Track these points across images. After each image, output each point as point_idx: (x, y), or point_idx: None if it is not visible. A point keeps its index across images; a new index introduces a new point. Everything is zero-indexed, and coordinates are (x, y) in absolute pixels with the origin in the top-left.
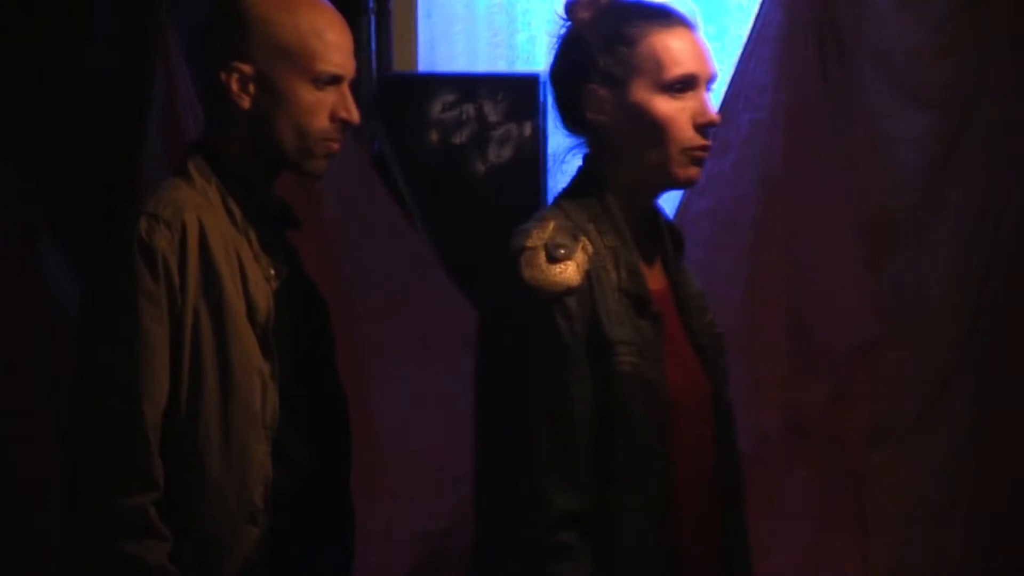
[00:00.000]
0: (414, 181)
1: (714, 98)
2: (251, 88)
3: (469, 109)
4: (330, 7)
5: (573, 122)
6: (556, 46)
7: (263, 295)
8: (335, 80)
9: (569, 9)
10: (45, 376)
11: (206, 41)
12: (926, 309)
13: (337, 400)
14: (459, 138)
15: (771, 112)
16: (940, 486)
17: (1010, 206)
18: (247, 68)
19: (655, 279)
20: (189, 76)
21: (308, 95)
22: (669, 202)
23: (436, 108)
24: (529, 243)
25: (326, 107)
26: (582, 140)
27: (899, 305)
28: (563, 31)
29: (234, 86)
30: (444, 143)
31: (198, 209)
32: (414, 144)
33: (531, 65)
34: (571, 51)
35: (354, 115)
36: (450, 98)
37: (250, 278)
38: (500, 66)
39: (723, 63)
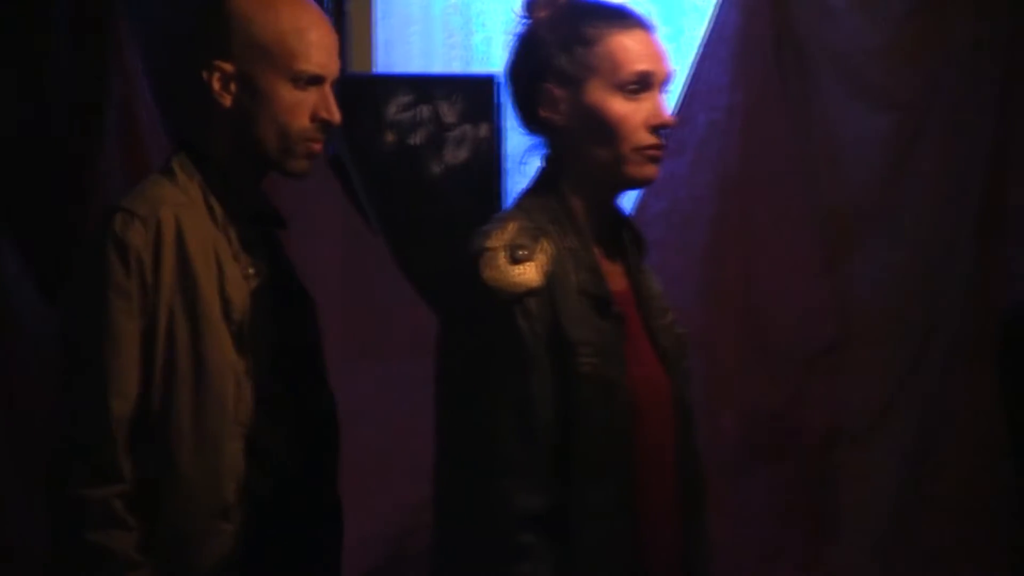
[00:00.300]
0: (370, 182)
1: (671, 99)
2: (232, 87)
3: (425, 110)
4: (314, 6)
5: (529, 121)
6: (513, 44)
7: (240, 293)
8: (315, 80)
9: (528, 7)
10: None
11: (190, 39)
12: (884, 310)
13: (322, 399)
14: (415, 139)
15: (727, 113)
16: (899, 486)
17: (967, 206)
18: (228, 67)
19: (616, 280)
20: (146, 77)
21: (288, 95)
22: (625, 203)
23: (392, 109)
24: (489, 244)
25: (307, 107)
26: (539, 139)
27: (857, 306)
28: (521, 29)
29: (215, 84)
30: (400, 144)
31: (176, 206)
32: (370, 145)
33: (487, 66)
34: (528, 49)
35: (335, 116)
36: (406, 99)
37: (227, 276)
38: (456, 67)
39: (680, 64)
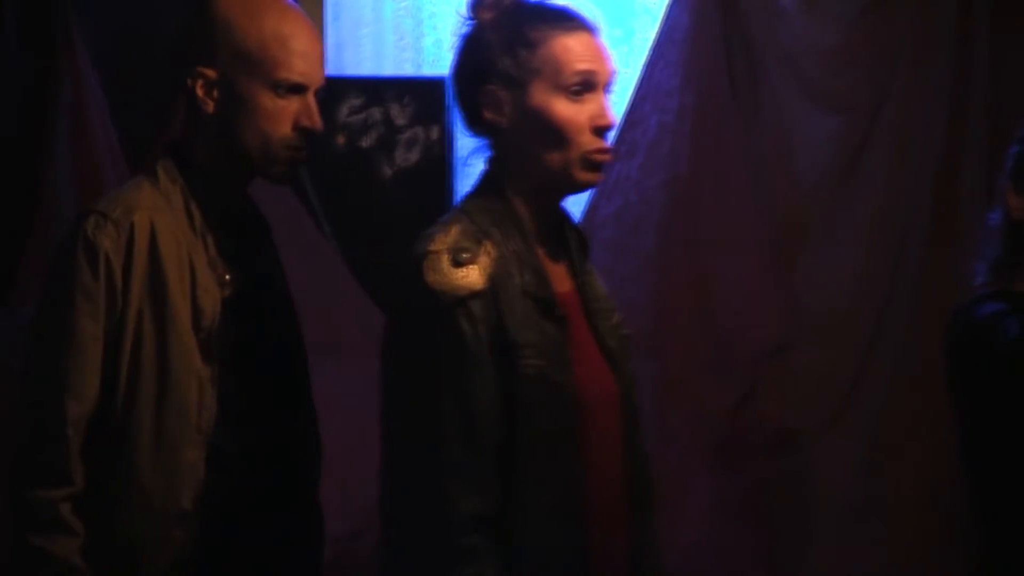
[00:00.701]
0: (321, 184)
1: (621, 101)
2: (215, 93)
3: (376, 112)
4: (299, 14)
5: (474, 123)
6: (458, 46)
7: (211, 301)
8: (297, 89)
9: (472, 8)
10: None
11: (175, 44)
12: (835, 312)
13: (299, 410)
14: (366, 141)
15: (678, 115)
16: (849, 488)
17: (918, 209)
18: (211, 73)
19: (561, 281)
20: (98, 79)
21: (269, 102)
22: (576, 205)
23: (343, 111)
24: (432, 247)
25: (289, 115)
26: (483, 141)
27: (808, 308)
28: (465, 31)
29: (199, 90)
30: (351, 146)
31: (152, 211)
32: (321, 147)
33: (438, 68)
34: (472, 52)
35: (317, 124)
36: (357, 101)
37: (200, 283)
38: (407, 69)
39: (631, 66)
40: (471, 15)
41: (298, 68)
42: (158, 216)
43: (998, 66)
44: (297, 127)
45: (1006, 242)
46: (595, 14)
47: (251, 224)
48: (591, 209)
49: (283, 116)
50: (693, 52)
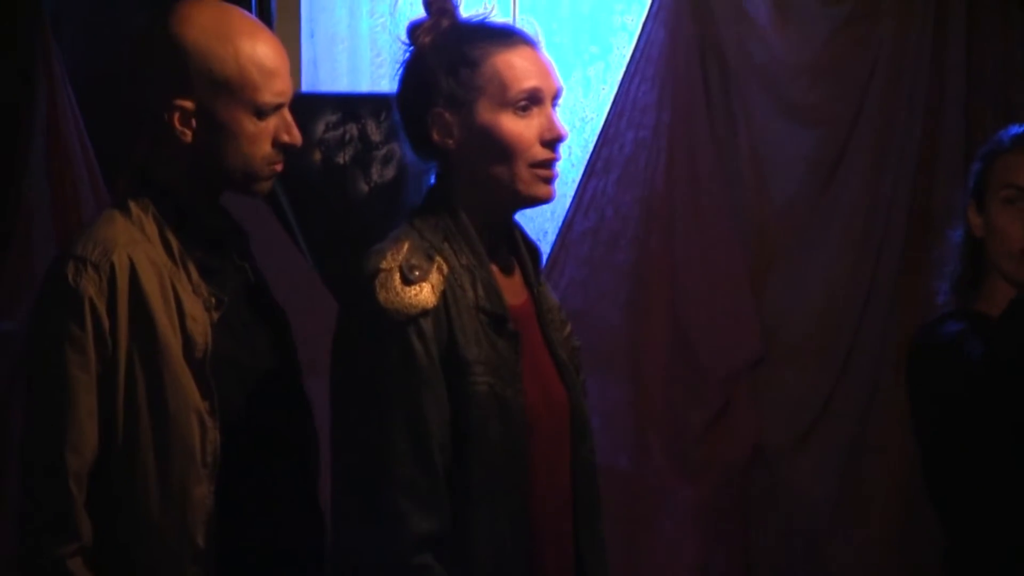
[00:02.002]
0: (297, 201)
1: (598, 117)
2: (193, 123)
3: (352, 129)
4: (265, 30)
5: (421, 146)
6: (400, 71)
7: (201, 329)
8: (278, 108)
9: (411, 33)
10: None
11: (140, 74)
12: (809, 329)
13: (300, 424)
14: (342, 158)
15: (655, 131)
16: (823, 505)
17: (892, 226)
18: (188, 104)
19: (514, 294)
20: (73, 94)
21: (251, 126)
22: (553, 220)
23: (319, 128)
24: (384, 264)
25: (269, 134)
26: (433, 164)
27: (782, 325)
28: (406, 56)
29: (176, 123)
30: (327, 163)
31: (129, 245)
32: (297, 164)
33: None
34: (415, 76)
35: (296, 138)
36: (333, 118)
37: (187, 313)
38: (383, 86)
39: (607, 82)
40: (410, 40)
41: (277, 88)
42: (135, 250)
43: (974, 82)
44: (277, 143)
45: (966, 260)
46: (535, 29)
47: (230, 234)
48: (567, 224)
49: (264, 136)
50: (669, 68)
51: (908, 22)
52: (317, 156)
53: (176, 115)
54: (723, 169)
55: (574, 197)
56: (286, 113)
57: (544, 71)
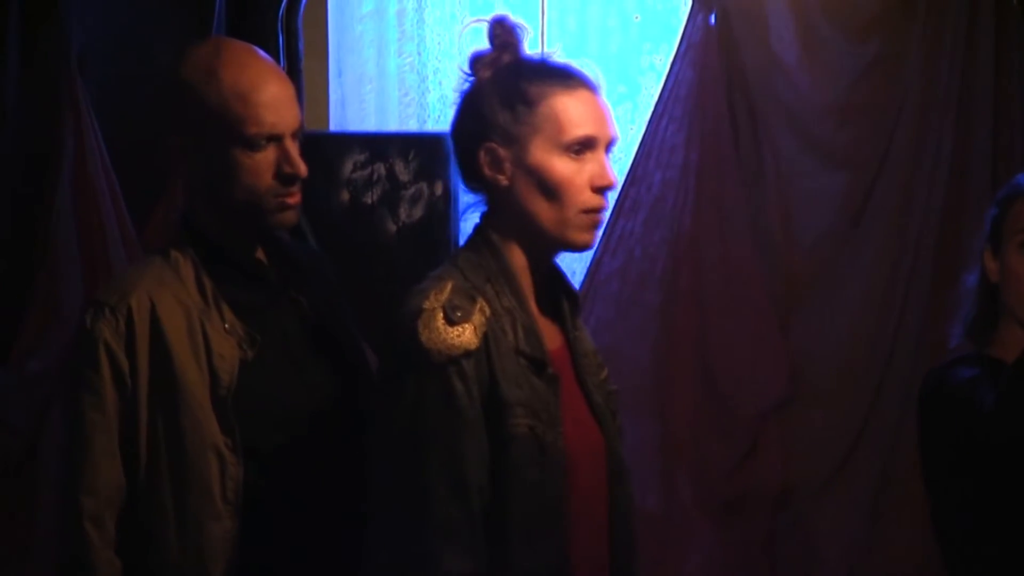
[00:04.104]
0: (325, 240)
1: (626, 157)
2: (193, 159)
3: (380, 168)
4: (261, 61)
5: (472, 178)
6: (458, 102)
7: (228, 367)
8: (272, 138)
9: (472, 64)
10: None
11: (158, 115)
12: (836, 369)
13: (340, 464)
14: (370, 197)
15: (682, 171)
16: (850, 545)
17: (920, 266)
18: (184, 140)
19: (552, 338)
20: (100, 133)
21: (245, 159)
22: (580, 260)
23: (347, 167)
24: (427, 305)
25: (268, 166)
26: (481, 197)
27: (810, 364)
28: (466, 87)
29: (180, 158)
30: (355, 202)
31: (152, 288)
32: (325, 203)
33: (442, 124)
34: (472, 109)
35: (299, 168)
36: (361, 157)
37: (215, 351)
38: (411, 125)
39: (635, 122)
40: (470, 71)
41: (267, 119)
42: (159, 292)
43: (1001, 124)
44: (279, 175)
45: (982, 305)
46: (596, 73)
47: (285, 270)
48: (595, 264)
49: (262, 168)
50: (697, 108)
51: (935, 62)
52: (345, 196)
53: (176, 150)
54: (751, 209)
55: (602, 237)
56: (288, 144)
57: (600, 118)
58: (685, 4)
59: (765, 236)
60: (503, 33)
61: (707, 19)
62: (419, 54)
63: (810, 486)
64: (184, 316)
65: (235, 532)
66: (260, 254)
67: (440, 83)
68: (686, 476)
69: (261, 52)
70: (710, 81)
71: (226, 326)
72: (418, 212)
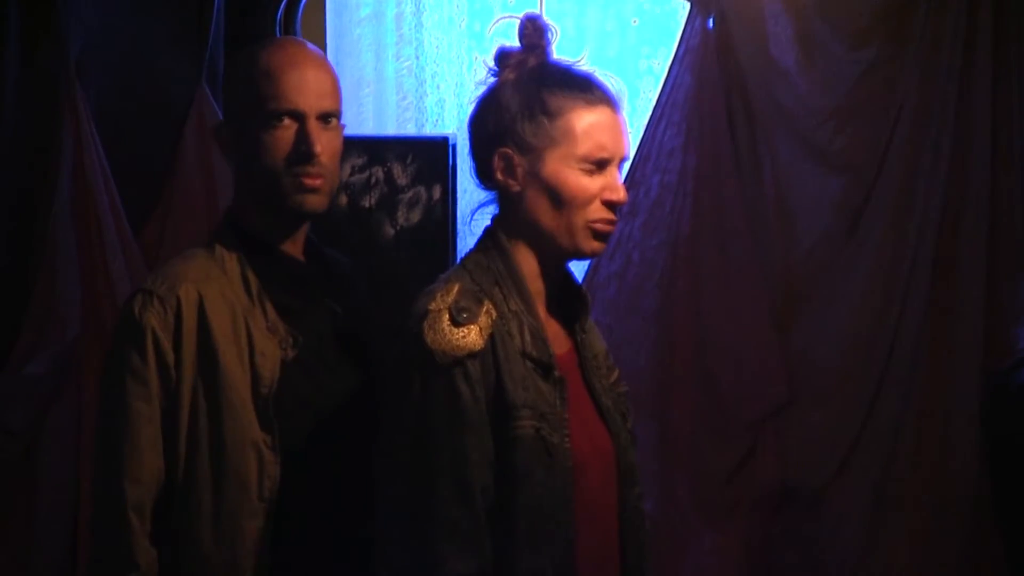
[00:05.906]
0: (323, 243)
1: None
2: (232, 146)
3: (378, 172)
4: (301, 49)
5: (485, 178)
6: (479, 99)
7: (269, 366)
8: (293, 116)
9: (499, 60)
10: None
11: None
12: (835, 371)
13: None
14: (368, 201)
15: (680, 175)
16: (848, 549)
17: (918, 269)
18: (230, 128)
19: (560, 342)
20: (98, 136)
21: (266, 136)
22: (578, 265)
23: (345, 171)
24: (433, 306)
25: (286, 144)
26: (492, 197)
27: (808, 368)
28: (489, 84)
29: (224, 148)
30: (353, 206)
31: (200, 281)
32: None
33: (440, 128)
34: (491, 109)
35: (312, 146)
36: (359, 161)
37: (257, 349)
38: (409, 129)
39: (633, 126)
40: (497, 67)
41: (285, 96)
42: (206, 286)
43: (999, 126)
44: (294, 151)
45: None
46: (620, 86)
47: (320, 276)
48: (593, 269)
49: (281, 145)
50: (695, 112)
51: (933, 67)
52: (343, 199)
53: (223, 139)
54: (748, 213)
55: None
56: (310, 124)
57: (617, 136)
58: (683, 8)
59: (763, 240)
60: (533, 33)
61: (705, 23)
62: (417, 58)
63: (809, 489)
64: (229, 312)
65: (268, 530)
66: (301, 257)
67: (438, 87)
68: (684, 479)
69: (310, 45)
70: (708, 85)
71: (268, 325)
72: (416, 216)
